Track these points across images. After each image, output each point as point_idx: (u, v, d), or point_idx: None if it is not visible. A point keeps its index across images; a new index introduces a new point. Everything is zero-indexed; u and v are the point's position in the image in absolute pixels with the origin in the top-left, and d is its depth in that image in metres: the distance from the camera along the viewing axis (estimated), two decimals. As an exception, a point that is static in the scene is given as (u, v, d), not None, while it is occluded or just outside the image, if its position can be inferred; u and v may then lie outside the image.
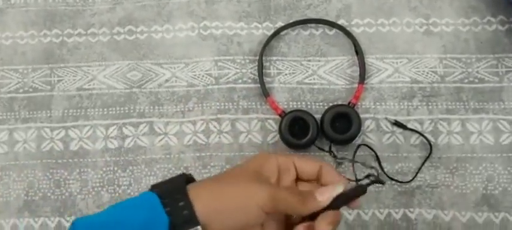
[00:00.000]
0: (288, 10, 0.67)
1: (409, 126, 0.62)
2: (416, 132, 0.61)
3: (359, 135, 0.60)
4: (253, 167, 0.43)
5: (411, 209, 0.60)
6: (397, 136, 0.62)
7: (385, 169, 0.60)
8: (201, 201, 0.39)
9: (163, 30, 0.67)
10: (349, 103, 0.61)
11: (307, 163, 0.44)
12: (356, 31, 0.66)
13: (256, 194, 0.39)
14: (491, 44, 0.65)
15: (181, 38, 0.67)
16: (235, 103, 0.64)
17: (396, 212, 0.60)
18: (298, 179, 0.45)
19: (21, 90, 0.66)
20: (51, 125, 0.64)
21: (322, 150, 0.61)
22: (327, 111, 0.60)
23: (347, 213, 0.60)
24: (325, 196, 0.41)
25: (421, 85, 0.63)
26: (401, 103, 0.63)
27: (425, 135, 0.61)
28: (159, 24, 0.68)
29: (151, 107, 0.64)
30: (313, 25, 0.67)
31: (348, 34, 0.65)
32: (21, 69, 0.67)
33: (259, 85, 0.63)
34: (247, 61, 0.65)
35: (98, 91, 0.65)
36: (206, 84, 0.65)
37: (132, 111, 0.64)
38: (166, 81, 0.65)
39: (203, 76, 0.65)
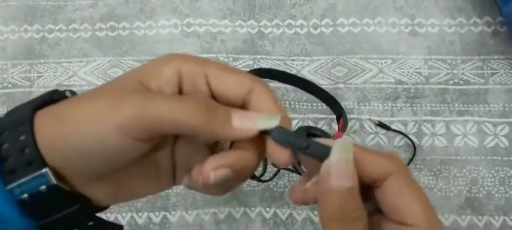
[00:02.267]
0: (273, 8, 0.67)
1: (393, 127, 0.61)
2: (400, 133, 0.60)
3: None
4: (134, 77, 0.27)
5: (394, 212, 0.59)
6: (381, 137, 0.61)
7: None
8: (46, 133, 0.26)
9: (145, 27, 0.66)
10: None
11: (227, 79, 0.28)
12: (341, 31, 0.65)
13: (113, 110, 0.25)
14: (477, 45, 0.64)
15: (163, 35, 0.66)
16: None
17: (378, 215, 0.59)
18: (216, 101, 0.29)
19: (0, 86, 0.65)
20: (29, 121, 0.63)
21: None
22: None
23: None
24: (244, 122, 0.27)
25: (405, 86, 0.63)
26: (385, 104, 0.62)
27: (409, 136, 0.60)
28: (142, 21, 0.67)
29: (132, 105, 0.63)
30: (297, 24, 0.66)
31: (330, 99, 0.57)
32: (0, 65, 0.66)
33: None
34: (231, 59, 0.64)
35: (78, 88, 0.64)
36: (188, 82, 0.64)
37: (112, 108, 0.63)
38: (148, 78, 0.64)
39: (185, 74, 0.64)
